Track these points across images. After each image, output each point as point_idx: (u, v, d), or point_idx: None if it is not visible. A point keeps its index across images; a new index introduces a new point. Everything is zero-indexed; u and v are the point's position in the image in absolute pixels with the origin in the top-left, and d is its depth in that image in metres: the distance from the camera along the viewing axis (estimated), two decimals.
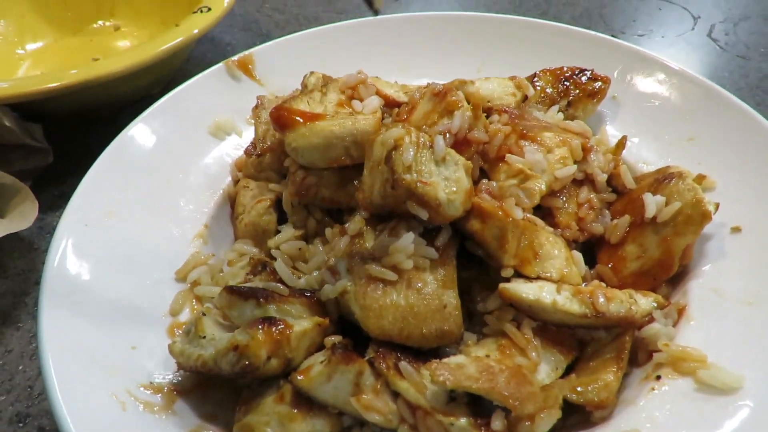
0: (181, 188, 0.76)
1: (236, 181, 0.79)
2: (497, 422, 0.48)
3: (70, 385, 0.50)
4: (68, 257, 0.62)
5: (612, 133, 0.80)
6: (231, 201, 0.78)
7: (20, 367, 0.71)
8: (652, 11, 1.32)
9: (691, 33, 1.24)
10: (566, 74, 0.83)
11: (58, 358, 0.52)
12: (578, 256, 0.62)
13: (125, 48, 1.24)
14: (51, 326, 0.55)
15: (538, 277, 0.57)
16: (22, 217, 0.82)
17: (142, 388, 0.54)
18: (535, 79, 0.84)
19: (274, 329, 0.50)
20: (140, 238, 0.69)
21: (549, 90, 0.82)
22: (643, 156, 0.77)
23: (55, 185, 0.94)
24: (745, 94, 1.05)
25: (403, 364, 0.51)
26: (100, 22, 1.31)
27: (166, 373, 0.57)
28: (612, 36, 1.17)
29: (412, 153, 0.57)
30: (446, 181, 0.57)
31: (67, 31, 1.28)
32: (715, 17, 1.29)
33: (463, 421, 0.49)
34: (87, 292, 0.60)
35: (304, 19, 1.36)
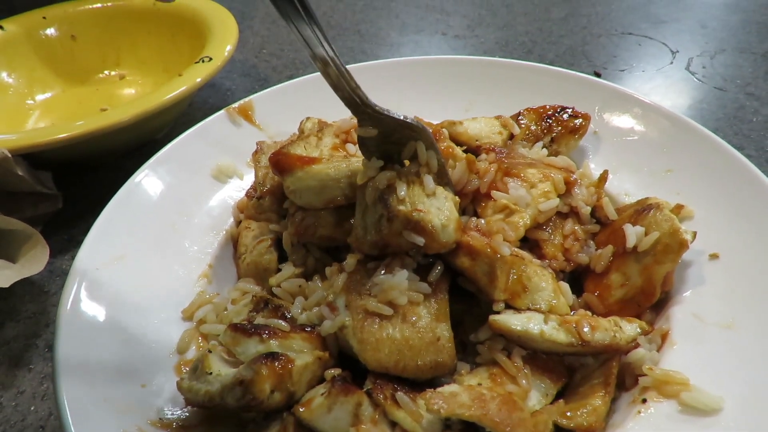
0: (186, 230, 0.80)
1: (238, 223, 0.83)
2: None
3: (84, 423, 0.53)
4: (81, 300, 0.65)
5: (594, 166, 0.84)
6: (234, 241, 0.82)
7: (32, 408, 0.73)
8: (632, 47, 1.39)
9: (669, 67, 1.30)
10: (549, 112, 0.88)
11: (73, 398, 0.55)
12: (565, 286, 0.65)
13: (131, 96, 1.30)
14: (65, 367, 0.57)
15: (528, 309, 0.61)
16: (34, 261, 0.85)
17: (151, 425, 0.56)
18: (520, 117, 0.89)
19: (276, 364, 0.53)
20: (148, 280, 0.72)
21: (533, 127, 0.87)
22: (625, 188, 0.81)
23: (64, 230, 0.98)
24: (723, 124, 1.10)
25: (400, 395, 0.54)
26: (106, 72, 1.37)
27: (174, 409, 0.59)
28: (594, 72, 1.23)
29: (404, 188, 0.62)
30: (438, 210, 0.62)
31: (75, 81, 1.34)
32: (693, 51, 1.35)
33: None
34: (99, 333, 0.64)
35: (301, 64, 1.42)
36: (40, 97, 1.29)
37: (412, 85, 1.02)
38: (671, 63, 1.31)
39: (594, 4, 1.61)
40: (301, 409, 0.53)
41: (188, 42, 1.28)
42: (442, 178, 0.67)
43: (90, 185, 1.07)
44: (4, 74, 1.25)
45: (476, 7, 1.63)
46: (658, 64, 1.31)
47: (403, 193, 0.62)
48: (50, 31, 1.33)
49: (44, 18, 1.34)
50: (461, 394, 0.53)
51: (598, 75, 1.26)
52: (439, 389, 0.53)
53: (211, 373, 0.55)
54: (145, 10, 1.36)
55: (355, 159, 0.73)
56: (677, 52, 1.35)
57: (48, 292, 0.90)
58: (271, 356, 0.54)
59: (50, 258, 0.86)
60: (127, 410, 0.57)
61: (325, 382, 0.56)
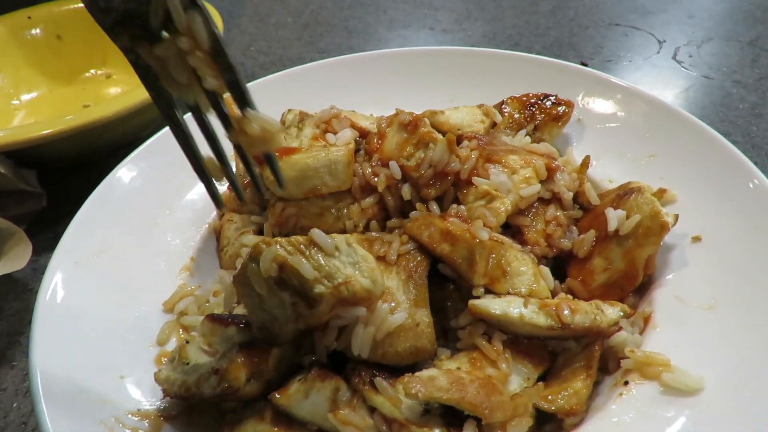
0: (168, 224, 0.79)
1: (221, 216, 0.83)
2: (468, 428, 0.50)
3: (60, 414, 0.53)
4: (58, 293, 0.65)
5: (578, 153, 0.84)
6: (216, 234, 0.81)
7: (14, 405, 0.73)
8: (619, 38, 1.38)
9: (656, 56, 1.30)
10: (532, 100, 0.87)
11: (49, 390, 0.55)
12: (546, 270, 0.65)
13: (116, 94, 1.30)
14: (42, 359, 0.57)
15: (508, 293, 0.60)
16: (17, 258, 0.84)
17: (130, 416, 0.56)
18: (504, 106, 0.89)
19: (252, 353, 0.53)
20: (129, 273, 0.72)
21: (516, 115, 0.87)
22: (608, 174, 0.81)
23: (49, 228, 0.97)
24: (709, 111, 1.10)
25: (378, 380, 0.54)
26: (92, 71, 1.37)
27: (153, 400, 0.59)
28: (581, 62, 1.23)
29: (306, 263, 0.51)
30: (356, 265, 0.54)
31: (61, 81, 1.33)
32: (680, 41, 1.35)
33: (437, 431, 0.51)
34: (77, 325, 0.63)
35: (288, 60, 1.42)
36: (25, 97, 1.28)
37: (396, 76, 1.01)
38: (658, 52, 1.31)
39: None
40: (277, 396, 0.52)
41: None
42: (219, 61, 0.50)
43: (76, 184, 1.06)
44: None
45: (464, 2, 1.63)
46: (644, 54, 1.31)
47: (308, 268, 0.51)
48: (35, 31, 1.33)
49: (29, 18, 1.33)
50: (440, 377, 0.52)
51: (584, 65, 1.26)
52: (418, 373, 0.53)
53: (188, 363, 0.55)
54: None
55: (335, 148, 0.72)
56: (664, 41, 1.35)
57: (32, 289, 0.89)
58: (248, 345, 0.54)
59: (35, 256, 0.85)
60: (105, 401, 0.56)
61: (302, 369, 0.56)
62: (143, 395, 0.59)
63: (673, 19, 1.44)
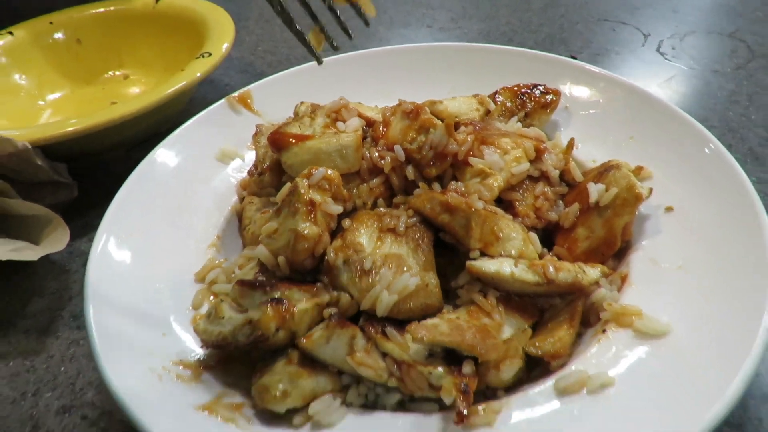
0: (195, 207, 0.88)
1: (242, 199, 0.91)
2: (467, 368, 0.59)
3: (115, 363, 0.61)
4: (104, 266, 0.73)
5: (565, 137, 0.92)
6: (238, 216, 0.90)
7: (62, 369, 0.81)
8: (607, 32, 1.47)
9: (642, 49, 1.38)
10: (523, 90, 0.96)
11: (104, 345, 0.63)
12: (534, 236, 0.73)
13: (135, 94, 1.38)
14: (96, 319, 0.65)
15: (501, 255, 0.69)
16: (56, 241, 0.93)
17: (173, 365, 0.64)
18: (497, 95, 0.97)
19: (280, 307, 0.61)
20: (162, 249, 0.80)
21: (509, 104, 0.95)
22: (592, 155, 0.89)
23: (80, 216, 1.05)
24: (689, 99, 1.19)
25: (389, 329, 0.62)
26: (110, 73, 1.46)
27: (193, 354, 0.67)
28: (570, 55, 1.31)
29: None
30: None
31: (82, 82, 1.42)
32: (664, 34, 1.43)
33: (440, 369, 0.59)
34: (122, 292, 0.72)
35: (294, 59, 1.50)
36: (50, 97, 1.37)
37: (399, 71, 1.10)
38: (643, 45, 1.39)
39: None
40: (303, 340, 0.61)
41: (186, 41, 1.35)
42: None
43: (101, 176, 1.14)
44: (16, 76, 1.33)
45: (460, 1, 1.71)
46: (631, 47, 1.39)
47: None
48: (57, 35, 1.42)
49: (51, 23, 1.42)
50: (441, 324, 0.61)
51: (574, 58, 1.34)
52: (423, 321, 0.61)
53: (223, 317, 0.63)
54: (145, 13, 1.44)
55: (344, 135, 0.81)
56: (649, 35, 1.43)
57: (69, 270, 0.98)
58: (275, 300, 0.62)
59: (69, 240, 0.94)
60: (152, 354, 0.65)
61: (324, 321, 0.64)
62: (183, 350, 0.67)
63: (659, 14, 1.52)
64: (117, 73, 1.45)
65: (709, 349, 0.58)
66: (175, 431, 0.54)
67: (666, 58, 1.33)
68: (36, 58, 1.38)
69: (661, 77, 1.27)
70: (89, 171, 1.14)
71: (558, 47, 1.41)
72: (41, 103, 1.36)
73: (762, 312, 0.57)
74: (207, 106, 1.03)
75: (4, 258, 0.84)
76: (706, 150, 0.80)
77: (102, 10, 1.45)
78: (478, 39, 1.50)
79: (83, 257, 1.00)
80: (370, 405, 0.63)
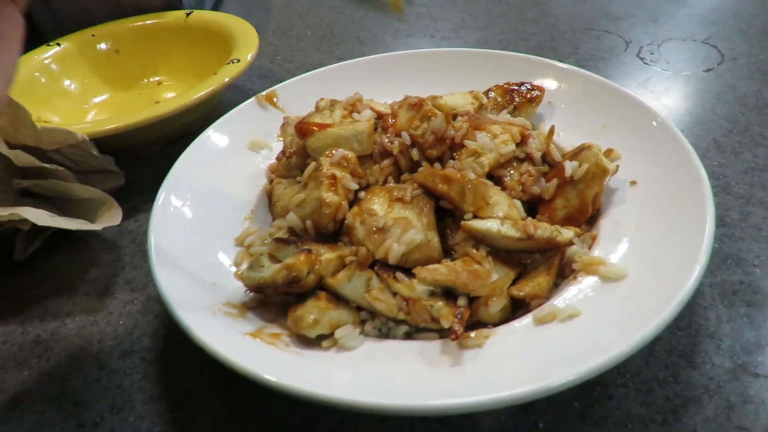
0: (232, 186, 1.03)
1: (270, 181, 1.06)
2: (461, 301, 0.73)
3: (180, 301, 0.76)
4: (161, 231, 0.88)
5: (548, 127, 1.06)
6: (268, 194, 1.05)
7: (120, 322, 0.96)
8: (593, 40, 1.62)
9: (623, 54, 1.53)
10: (511, 87, 1.11)
11: (167, 289, 0.78)
12: (518, 203, 0.87)
13: (171, 97, 1.54)
14: (161, 272, 0.80)
15: (489, 217, 0.83)
16: (111, 218, 1.08)
17: (222, 305, 0.79)
18: (489, 92, 1.12)
19: (311, 255, 0.76)
20: (206, 220, 0.95)
21: (499, 99, 1.10)
22: (571, 141, 1.03)
23: (126, 201, 1.21)
24: (663, 97, 1.33)
25: (399, 273, 0.77)
26: (146, 80, 1.62)
27: (236, 299, 0.82)
28: (559, 60, 1.46)
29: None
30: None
31: (120, 87, 1.59)
32: (644, 41, 1.58)
33: (440, 303, 0.74)
34: (176, 252, 0.86)
35: (310, 66, 1.66)
36: (94, 101, 1.53)
37: (405, 74, 1.25)
38: (625, 51, 1.55)
39: (562, 6, 1.85)
40: (329, 280, 0.76)
41: (215, 51, 1.52)
42: None
43: (142, 169, 1.30)
44: (66, 82, 1.50)
45: (459, 13, 1.88)
46: (613, 53, 1.55)
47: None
48: (99, 46, 1.59)
49: (93, 36, 1.59)
50: (440, 268, 0.75)
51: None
52: (425, 266, 0.76)
53: (263, 266, 0.78)
54: (177, 25, 1.61)
55: (359, 123, 0.96)
56: (630, 42, 1.58)
57: (120, 245, 1.13)
58: (306, 250, 0.77)
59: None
60: (205, 297, 0.79)
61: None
62: (229, 297, 0.82)
63: (640, 22, 1.68)
64: (152, 79, 1.62)
65: (656, 286, 0.72)
66: (230, 348, 0.68)
67: (645, 62, 1.48)
68: (81, 66, 1.55)
69: (640, 79, 1.42)
70: (131, 164, 1.30)
71: (547, 53, 1.56)
72: (86, 105, 1.52)
73: (697, 254, 0.71)
74: (233, 108, 1.18)
75: (74, 228, 0.99)
76: (666, 135, 0.94)
77: (139, 23, 1.62)
78: (475, 47, 1.65)
79: (131, 235, 1.15)
80: (383, 336, 0.77)
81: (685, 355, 0.79)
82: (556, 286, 0.82)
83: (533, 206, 0.95)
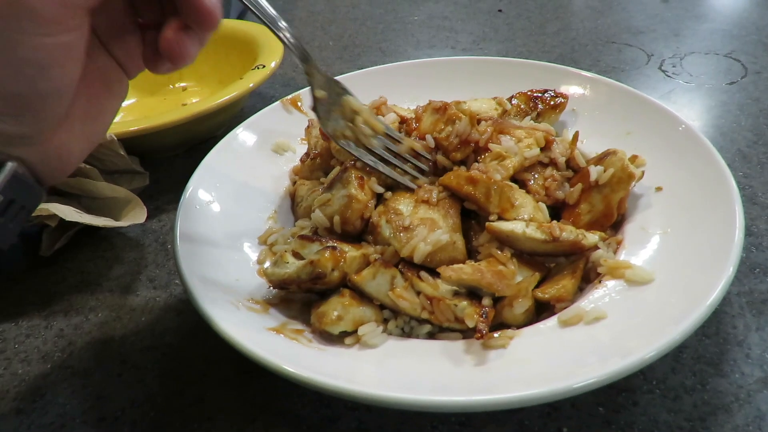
0: (256, 188, 1.04)
1: (294, 183, 1.07)
2: (486, 300, 0.73)
3: (204, 294, 0.76)
4: (188, 227, 0.89)
5: (572, 133, 1.06)
6: (291, 196, 1.06)
7: (143, 318, 0.97)
8: (614, 53, 1.63)
9: (645, 67, 1.53)
10: (535, 94, 1.11)
11: (194, 285, 0.78)
12: (543, 206, 0.87)
13: (196, 102, 1.57)
14: (186, 265, 0.81)
15: (515, 219, 0.83)
16: (136, 217, 1.10)
17: (246, 300, 0.79)
18: (513, 99, 1.13)
19: (335, 252, 0.76)
20: (232, 218, 0.96)
21: (522, 106, 1.11)
22: (595, 148, 1.03)
23: (151, 202, 1.22)
24: (686, 109, 1.33)
25: (423, 273, 0.77)
26: (171, 86, 1.65)
27: (259, 295, 0.82)
28: None
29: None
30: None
31: (147, 92, 1.62)
32: (666, 54, 1.58)
33: (464, 302, 0.73)
34: (203, 249, 0.87)
35: (332, 75, 1.67)
36: (123, 104, 1.56)
37: (428, 80, 1.26)
38: (647, 64, 1.55)
39: (583, 20, 1.86)
40: (354, 277, 0.76)
41: (239, 58, 1.54)
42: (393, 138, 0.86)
43: (167, 170, 1.32)
44: None
45: (480, 26, 1.89)
46: (635, 65, 1.55)
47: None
48: None
49: None
50: (465, 268, 0.75)
51: None
52: (451, 266, 0.76)
53: (287, 263, 0.78)
54: None
55: None
56: (652, 55, 1.58)
57: (143, 244, 1.14)
58: (331, 247, 0.77)
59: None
60: (229, 292, 0.80)
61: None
62: (252, 292, 0.83)
63: (661, 36, 1.68)
64: (178, 85, 1.65)
65: (682, 291, 0.71)
66: (253, 341, 0.69)
67: (667, 75, 1.48)
68: None
69: (662, 90, 1.41)
70: (157, 166, 1.32)
71: (569, 65, 1.57)
72: None
73: (726, 261, 0.70)
74: (256, 113, 1.20)
75: (101, 224, 1.01)
76: (692, 141, 0.93)
77: None
78: (497, 57, 1.66)
79: (155, 234, 1.16)
80: (406, 335, 0.77)
81: (713, 362, 0.78)
82: (580, 290, 0.82)
83: (557, 211, 0.94)
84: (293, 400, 0.78)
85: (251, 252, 0.91)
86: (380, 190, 0.89)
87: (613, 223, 0.89)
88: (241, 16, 2.15)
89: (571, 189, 0.92)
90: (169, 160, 1.37)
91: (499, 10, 1.88)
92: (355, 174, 0.87)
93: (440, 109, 0.98)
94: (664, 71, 1.50)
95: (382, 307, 0.78)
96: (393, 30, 1.93)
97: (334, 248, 0.77)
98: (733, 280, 0.82)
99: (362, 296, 0.77)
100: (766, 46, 1.55)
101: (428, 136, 0.96)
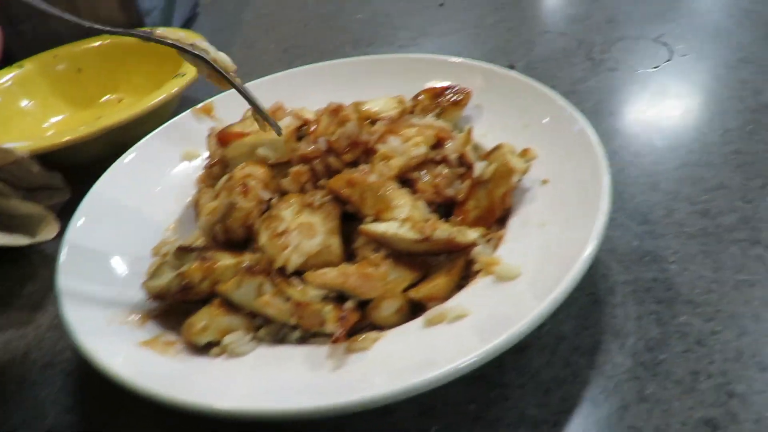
0: (158, 198, 1.04)
1: (199, 191, 1.07)
2: (349, 303, 0.73)
3: (75, 313, 0.77)
4: (78, 243, 0.90)
5: (477, 128, 1.06)
6: (195, 205, 1.06)
7: (47, 335, 0.98)
8: (547, 43, 1.62)
9: (575, 56, 1.52)
10: (438, 90, 1.11)
11: (67, 299, 0.79)
12: (422, 204, 0.87)
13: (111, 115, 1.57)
14: (64, 284, 0.81)
15: (391, 220, 0.83)
16: (47, 234, 1.11)
17: (125, 315, 0.80)
18: (420, 96, 1.13)
19: (205, 262, 0.77)
20: (129, 231, 0.97)
21: (426, 103, 1.11)
22: (496, 142, 1.02)
23: (71, 216, 1.23)
24: (609, 96, 1.32)
25: (293, 278, 0.77)
26: (106, 97, 1.66)
27: (142, 308, 0.83)
28: (509, 64, 1.46)
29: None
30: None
31: (81, 106, 1.63)
32: (597, 41, 1.57)
33: (329, 307, 0.74)
34: (91, 260, 0.88)
35: None
36: (52, 120, 1.57)
37: (341, 81, 1.26)
38: (577, 52, 1.54)
39: (523, 10, 1.85)
40: (219, 287, 0.76)
41: (172, 67, 1.54)
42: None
43: (93, 182, 1.32)
44: (24, 102, 1.54)
45: (421, 21, 1.89)
46: (565, 54, 1.54)
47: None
48: (60, 66, 1.63)
49: (55, 56, 1.63)
50: (330, 272, 0.75)
51: (512, 67, 1.49)
52: (317, 271, 0.76)
53: (163, 274, 0.79)
54: (137, 44, 1.62)
55: (273, 133, 0.97)
56: (583, 42, 1.58)
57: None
58: (201, 257, 0.77)
59: (61, 236, 1.11)
60: (109, 306, 0.81)
61: None
62: (135, 305, 0.83)
63: (595, 24, 1.67)
64: (112, 96, 1.66)
65: (542, 284, 0.71)
66: (120, 358, 0.69)
67: (594, 62, 1.47)
68: (41, 87, 1.59)
69: (588, 79, 1.41)
70: (82, 180, 1.32)
71: (500, 58, 1.56)
72: (46, 125, 1.56)
73: (583, 249, 0.71)
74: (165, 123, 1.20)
75: (7, 243, 1.02)
76: (579, 135, 0.93)
77: (100, 43, 1.66)
78: (432, 53, 1.65)
79: None
80: (278, 341, 0.77)
81: (588, 353, 0.78)
82: (460, 287, 0.82)
83: (451, 209, 0.94)
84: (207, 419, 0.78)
85: (142, 264, 0.92)
86: (267, 196, 0.89)
87: (498, 218, 0.89)
88: (188, 23, 2.16)
89: (461, 186, 0.92)
90: (96, 172, 1.37)
91: (441, 4, 1.87)
92: (237, 183, 0.87)
93: (334, 111, 0.98)
94: (591, 59, 1.49)
95: (254, 315, 0.78)
96: (331, 29, 1.93)
97: (204, 258, 0.77)
98: (619, 270, 0.83)
99: (232, 306, 0.77)
100: (696, 29, 1.54)
101: (321, 139, 0.96)
